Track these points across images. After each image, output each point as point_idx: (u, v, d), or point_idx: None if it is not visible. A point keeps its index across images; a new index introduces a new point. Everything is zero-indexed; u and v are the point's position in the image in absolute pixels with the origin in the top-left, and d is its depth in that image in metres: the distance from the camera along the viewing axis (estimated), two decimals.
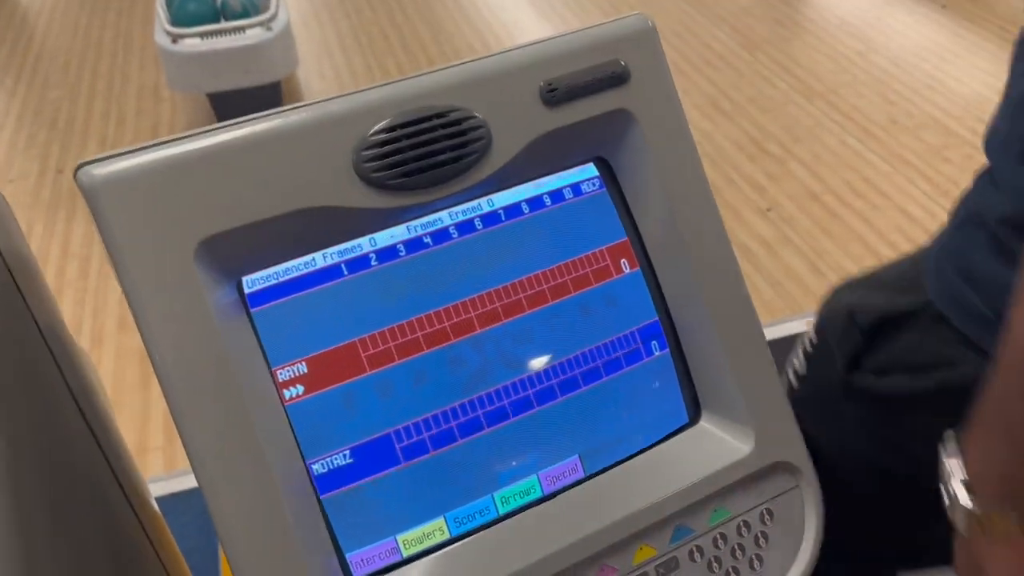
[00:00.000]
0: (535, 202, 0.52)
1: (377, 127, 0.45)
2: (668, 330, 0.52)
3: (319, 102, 0.45)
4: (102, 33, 3.40)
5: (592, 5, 3.36)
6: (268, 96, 2.24)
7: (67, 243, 2.18)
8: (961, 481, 0.48)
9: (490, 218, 0.51)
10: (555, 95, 0.49)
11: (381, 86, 0.46)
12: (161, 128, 2.72)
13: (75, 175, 0.40)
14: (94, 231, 0.39)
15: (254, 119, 0.44)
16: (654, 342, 0.53)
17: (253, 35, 2.10)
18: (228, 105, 2.16)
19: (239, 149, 0.42)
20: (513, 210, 0.51)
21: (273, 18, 2.14)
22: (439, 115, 0.46)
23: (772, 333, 1.75)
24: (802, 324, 1.92)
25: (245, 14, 2.13)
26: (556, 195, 0.53)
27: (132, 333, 1.79)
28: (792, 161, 2.37)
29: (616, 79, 0.51)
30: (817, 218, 2.14)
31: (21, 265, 0.49)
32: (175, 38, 2.08)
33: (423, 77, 0.47)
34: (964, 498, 0.48)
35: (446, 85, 0.47)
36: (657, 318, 0.52)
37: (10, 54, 3.33)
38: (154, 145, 0.41)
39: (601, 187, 0.54)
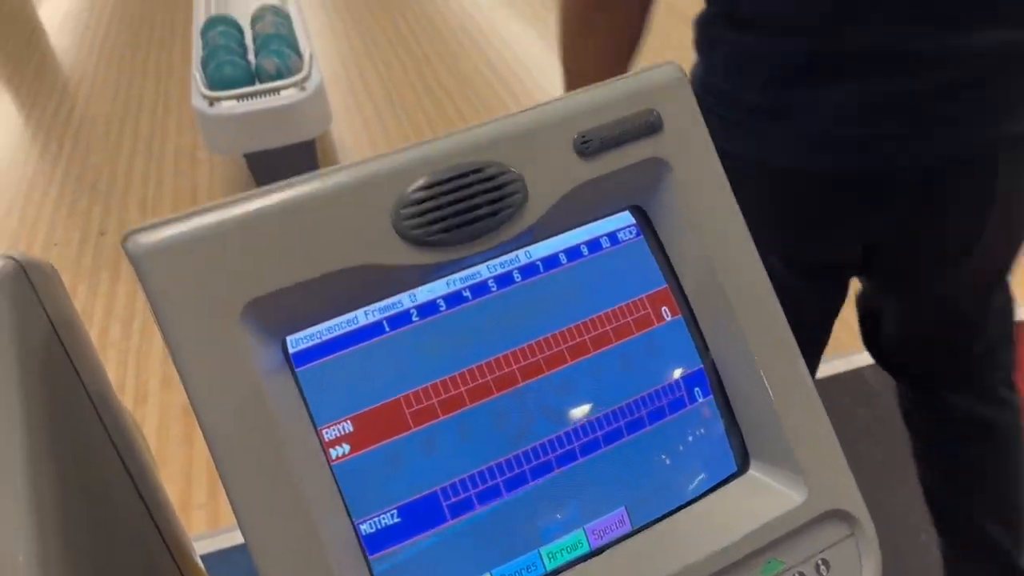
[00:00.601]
0: (572, 252, 0.52)
1: (415, 185, 0.46)
2: (712, 377, 0.52)
3: (357, 164, 0.46)
4: (141, 96, 3.52)
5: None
6: (303, 154, 2.28)
7: (111, 304, 2.23)
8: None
9: (528, 270, 0.51)
10: (589, 146, 0.50)
11: (417, 145, 0.47)
12: (200, 189, 2.79)
13: (123, 243, 0.41)
14: (136, 292, 0.40)
15: (294, 182, 0.45)
16: (698, 389, 0.52)
17: (288, 96, 2.15)
18: (264, 164, 2.21)
19: (281, 213, 0.43)
20: (551, 261, 0.52)
21: (307, 78, 2.19)
22: (475, 171, 0.47)
23: (819, 372, 1.72)
24: (847, 363, 1.88)
25: (279, 75, 2.18)
26: (593, 244, 0.53)
27: (175, 390, 1.81)
28: None
29: (649, 128, 0.51)
30: None
31: (70, 331, 0.50)
32: (212, 101, 2.14)
33: (458, 135, 0.48)
34: None
35: (481, 141, 0.48)
36: (702, 366, 0.52)
37: (52, 120, 3.45)
38: (198, 212, 0.42)
39: (638, 235, 0.54)
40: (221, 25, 2.45)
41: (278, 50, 2.26)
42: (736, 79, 0.89)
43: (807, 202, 0.92)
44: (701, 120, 0.53)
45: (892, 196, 0.88)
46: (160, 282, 0.41)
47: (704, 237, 0.51)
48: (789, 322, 0.51)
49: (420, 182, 0.46)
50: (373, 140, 2.94)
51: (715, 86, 0.90)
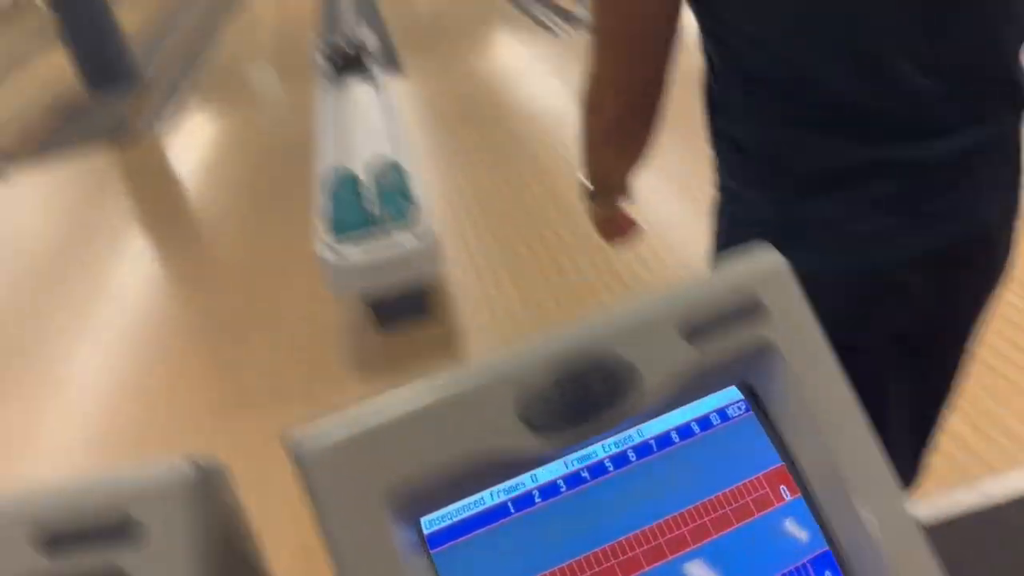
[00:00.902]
0: (684, 430, 0.55)
1: (539, 380, 0.50)
2: (838, 558, 0.52)
3: (484, 362, 0.51)
4: (268, 243, 3.79)
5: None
6: (419, 296, 2.41)
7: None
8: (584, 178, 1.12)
9: (642, 449, 0.54)
10: (697, 332, 0.53)
11: (537, 341, 0.52)
12: (328, 331, 2.92)
13: (286, 444, 0.47)
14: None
15: (431, 380, 0.50)
16: (828, 572, 0.52)
17: (405, 241, 2.29)
18: (384, 306, 2.34)
19: (420, 410, 0.48)
20: (663, 440, 0.54)
21: (422, 226, 2.34)
22: (593, 366, 0.51)
23: (943, 508, 1.63)
24: (974, 495, 1.77)
25: (397, 222, 2.34)
26: (703, 422, 0.55)
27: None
28: None
29: (754, 312, 0.54)
30: (975, 375, 2.03)
31: (238, 527, 0.55)
32: (334, 248, 2.30)
33: (575, 328, 0.53)
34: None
35: (597, 334, 0.52)
36: (828, 548, 0.52)
37: (184, 263, 3.74)
38: (349, 413, 0.48)
39: (748, 410, 0.56)
40: (342, 176, 2.66)
41: (395, 200, 2.42)
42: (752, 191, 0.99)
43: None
44: (804, 302, 0.55)
45: (907, 287, 0.96)
46: (318, 477, 0.46)
47: (815, 416, 0.53)
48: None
49: (542, 377, 0.50)
50: (482, 283, 3.05)
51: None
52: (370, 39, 4.56)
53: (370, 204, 2.54)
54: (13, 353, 3.25)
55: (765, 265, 0.56)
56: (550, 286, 2.90)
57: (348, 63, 4.14)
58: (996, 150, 0.93)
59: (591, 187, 1.14)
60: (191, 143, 5.66)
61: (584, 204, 1.18)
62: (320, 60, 4.30)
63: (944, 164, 0.89)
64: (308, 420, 0.48)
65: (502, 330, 2.76)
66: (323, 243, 2.33)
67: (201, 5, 11.25)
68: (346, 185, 2.60)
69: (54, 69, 7.50)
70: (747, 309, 0.54)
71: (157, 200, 4.82)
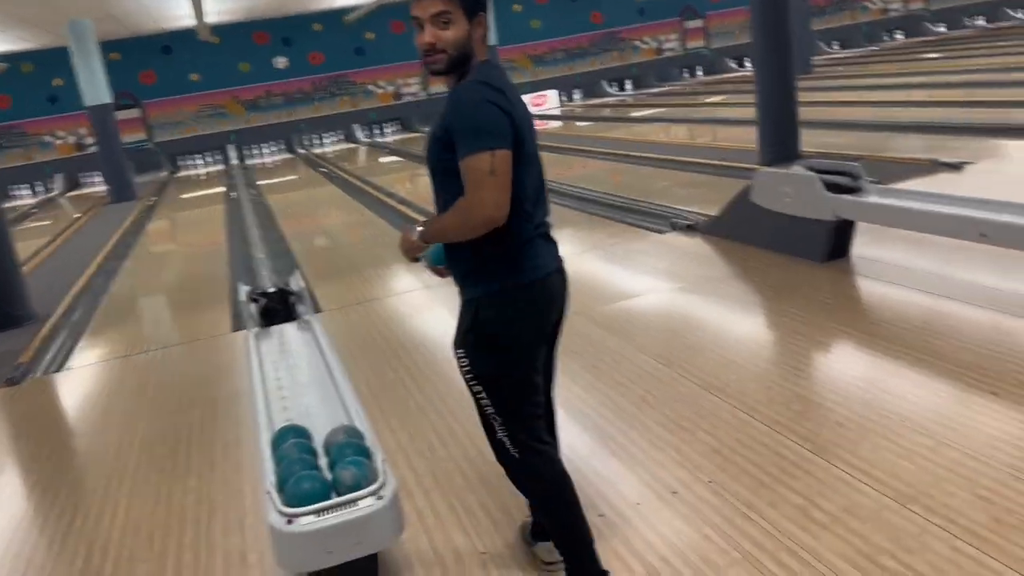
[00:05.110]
0: None
1: None
2: None
3: None
4: (184, 500, 3.50)
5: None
6: (367, 563, 2.24)
7: None
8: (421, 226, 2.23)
9: None
10: None
11: None
12: None
13: None
14: None
15: None
16: None
17: (365, 506, 2.16)
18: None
19: None
20: None
21: (383, 486, 2.22)
22: None
23: None
24: None
25: (357, 486, 2.21)
26: None
27: None
28: None
29: None
30: None
31: None
32: (290, 519, 2.13)
33: None
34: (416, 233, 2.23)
35: None
36: None
37: (94, 526, 3.38)
38: None
39: None
40: (293, 436, 2.54)
41: (354, 459, 2.31)
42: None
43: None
44: None
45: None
46: None
47: None
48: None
49: None
50: (434, 544, 2.90)
51: None
52: (297, 282, 4.58)
53: (322, 465, 2.41)
54: None
55: None
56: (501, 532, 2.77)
57: (277, 309, 4.11)
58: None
59: (423, 242, 2.23)
60: (85, 386, 5.36)
61: (407, 241, 2.26)
62: (248, 307, 4.24)
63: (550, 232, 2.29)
64: None
65: None
66: (277, 514, 2.17)
67: (99, 242, 11.17)
68: (295, 445, 2.47)
69: None
70: None
71: (42, 444, 4.45)
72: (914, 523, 2.53)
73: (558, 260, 2.31)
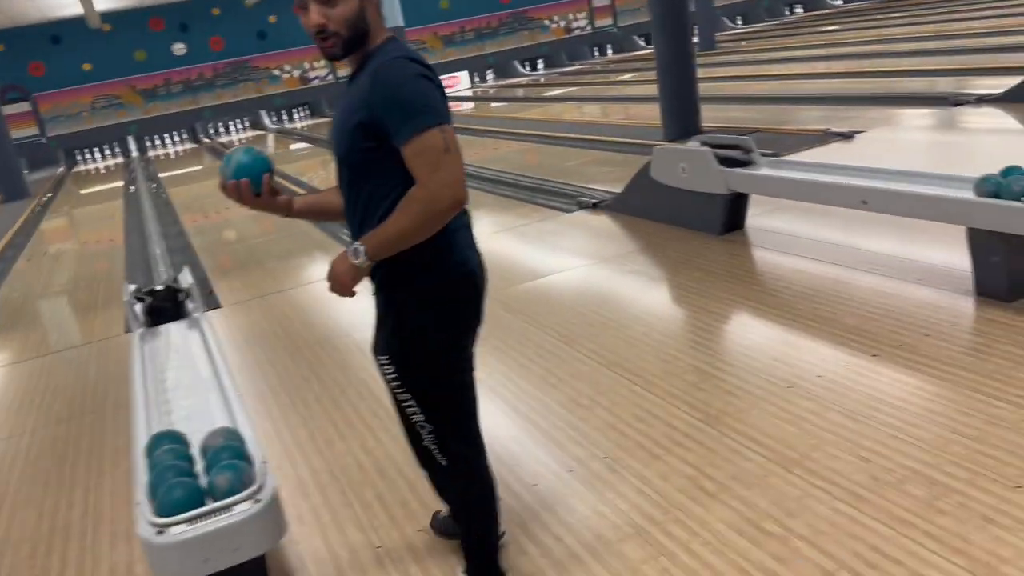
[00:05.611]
0: None
1: None
2: None
3: None
4: (69, 513, 3.34)
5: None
6: (254, 567, 2.17)
7: None
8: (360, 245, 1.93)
9: None
10: None
11: None
12: None
13: None
14: None
15: None
16: None
17: (241, 511, 2.08)
18: None
19: None
20: None
21: (260, 488, 2.15)
22: None
23: None
24: None
25: (232, 491, 2.13)
26: None
27: None
28: (794, 539, 2.35)
29: None
30: None
31: None
32: (161, 529, 2.04)
33: None
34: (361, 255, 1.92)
35: None
36: None
37: None
38: None
39: None
40: (168, 442, 2.43)
41: (227, 463, 2.23)
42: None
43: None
44: None
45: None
46: None
47: None
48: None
49: None
50: (323, 531, 2.84)
51: None
52: (186, 278, 4.40)
53: (199, 470, 2.31)
54: None
55: None
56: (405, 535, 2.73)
57: (164, 308, 3.94)
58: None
59: (368, 263, 1.93)
60: None
61: (347, 270, 1.96)
62: (132, 307, 4.06)
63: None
64: None
65: None
66: (148, 525, 2.07)
67: None
68: (169, 451, 2.37)
69: None
70: None
71: None
72: (797, 487, 2.59)
73: (479, 252, 2.10)
